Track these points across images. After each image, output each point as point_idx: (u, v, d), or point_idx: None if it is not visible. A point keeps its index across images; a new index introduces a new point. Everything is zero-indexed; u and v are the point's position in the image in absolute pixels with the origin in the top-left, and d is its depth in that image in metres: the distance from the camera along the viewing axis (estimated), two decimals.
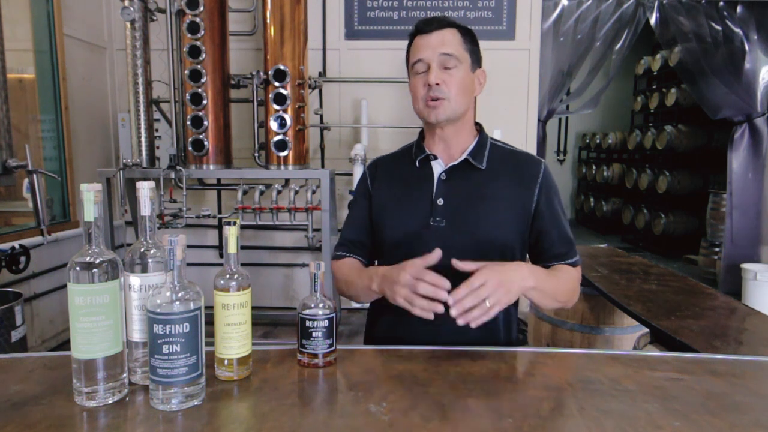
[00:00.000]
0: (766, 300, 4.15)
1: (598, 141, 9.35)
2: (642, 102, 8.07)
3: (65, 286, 0.86)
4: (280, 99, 3.23)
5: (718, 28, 4.88)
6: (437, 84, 1.20)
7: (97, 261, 0.85)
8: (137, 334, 0.93)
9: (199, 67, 3.17)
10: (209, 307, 0.88)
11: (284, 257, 4.13)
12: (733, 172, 5.11)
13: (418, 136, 1.37)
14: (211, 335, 0.93)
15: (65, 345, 3.33)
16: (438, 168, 1.30)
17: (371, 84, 3.94)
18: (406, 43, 1.32)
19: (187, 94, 3.20)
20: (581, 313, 2.52)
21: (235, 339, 0.95)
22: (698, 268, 6.09)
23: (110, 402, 0.86)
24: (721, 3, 4.88)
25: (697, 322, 1.78)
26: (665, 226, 7.05)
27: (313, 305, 1.02)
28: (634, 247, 7.54)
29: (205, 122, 3.22)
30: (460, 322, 0.99)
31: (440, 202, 1.26)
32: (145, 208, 0.90)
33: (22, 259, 2.60)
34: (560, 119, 9.93)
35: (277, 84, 3.22)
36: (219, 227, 4.10)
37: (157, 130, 3.45)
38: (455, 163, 1.28)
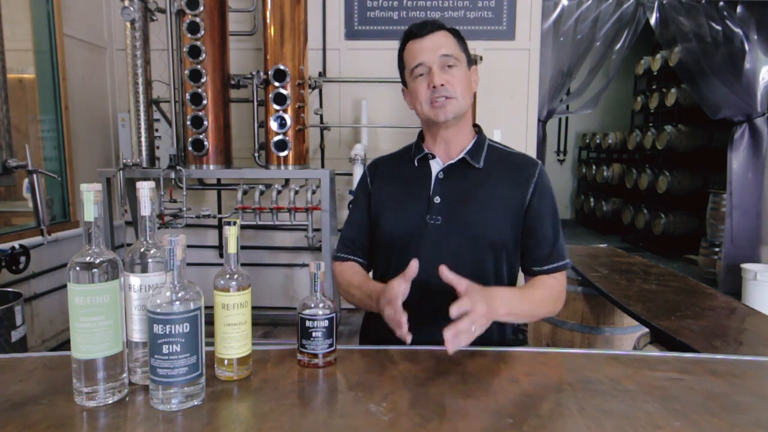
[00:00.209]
0: (766, 300, 4.15)
1: (598, 141, 9.35)
2: (642, 102, 8.07)
3: (65, 286, 0.86)
4: (280, 99, 3.23)
5: (718, 28, 4.88)
6: (442, 85, 1.22)
7: (97, 261, 0.85)
8: (137, 334, 0.93)
9: (199, 67, 3.17)
10: (209, 307, 0.88)
11: (284, 257, 4.13)
12: (733, 172, 5.11)
13: (417, 137, 1.38)
14: (211, 335, 0.93)
15: (65, 345, 3.33)
16: (436, 167, 1.31)
17: (371, 84, 3.94)
18: None
19: (187, 94, 3.20)
20: (581, 313, 2.52)
21: (235, 339, 0.95)
22: (698, 268, 6.09)
23: (110, 402, 0.86)
24: (721, 3, 4.88)
25: (697, 322, 1.78)
26: (665, 226, 7.05)
27: (313, 305, 1.02)
28: (634, 247, 7.54)
29: (205, 122, 3.22)
30: (450, 349, 0.99)
31: (437, 200, 1.27)
32: (145, 208, 0.90)
33: (22, 259, 2.60)
34: (560, 119, 9.93)
35: (277, 84, 3.22)
36: (219, 227, 4.10)
37: (157, 130, 3.45)
38: (453, 161, 1.30)
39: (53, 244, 3.21)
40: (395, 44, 1.34)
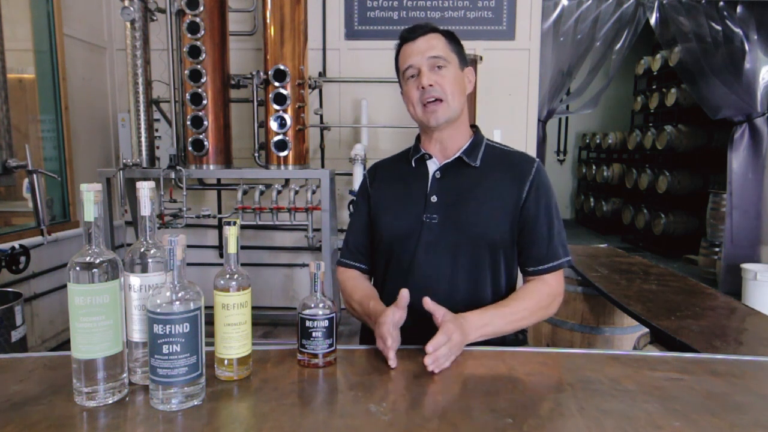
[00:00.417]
0: (766, 300, 4.15)
1: (598, 141, 9.36)
2: (642, 102, 8.07)
3: (65, 286, 0.86)
4: (280, 99, 3.23)
5: (718, 28, 4.88)
6: (431, 85, 1.23)
7: (97, 261, 0.85)
8: (137, 334, 0.93)
9: (199, 67, 3.17)
10: (209, 307, 0.88)
11: (284, 257, 4.13)
12: (733, 172, 5.11)
13: (415, 139, 1.40)
14: (211, 335, 0.93)
15: (65, 345, 3.33)
16: (433, 166, 1.33)
17: (371, 84, 3.94)
18: None
19: (187, 94, 3.20)
20: (581, 313, 2.52)
21: (235, 339, 0.95)
22: (698, 268, 6.09)
23: (110, 402, 0.86)
24: (721, 3, 4.88)
25: (697, 322, 1.78)
26: (665, 226, 7.05)
27: (313, 305, 1.02)
28: (634, 247, 7.54)
29: (205, 122, 3.22)
30: (436, 369, 1.01)
31: (434, 198, 1.28)
32: (145, 208, 0.90)
33: (22, 259, 2.60)
34: (560, 119, 9.94)
35: (277, 84, 3.22)
36: (219, 227, 4.10)
37: (157, 130, 3.45)
38: (449, 161, 1.31)
39: (53, 244, 3.21)
40: (395, 44, 1.35)
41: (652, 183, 7.35)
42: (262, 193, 3.30)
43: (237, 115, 3.58)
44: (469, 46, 1.36)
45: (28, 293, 3.08)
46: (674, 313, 1.87)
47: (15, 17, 3.21)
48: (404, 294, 1.08)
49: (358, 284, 1.36)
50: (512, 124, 3.99)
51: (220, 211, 3.96)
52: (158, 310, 0.83)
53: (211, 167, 3.30)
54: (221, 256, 4.05)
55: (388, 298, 1.18)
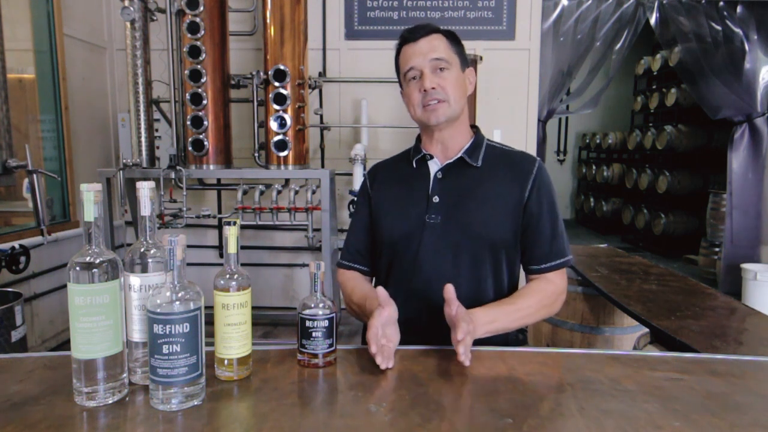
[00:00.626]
0: (766, 300, 4.15)
1: (598, 141, 9.35)
2: (642, 102, 8.07)
3: (65, 286, 0.86)
4: (280, 99, 3.23)
5: (718, 28, 4.88)
6: (433, 88, 1.23)
7: (97, 261, 0.85)
8: (137, 334, 0.93)
9: (199, 67, 3.17)
10: (209, 307, 0.88)
11: (284, 257, 4.13)
12: (733, 172, 5.11)
13: (416, 140, 1.39)
14: (211, 335, 0.93)
15: (65, 345, 3.33)
16: (434, 167, 1.32)
17: (371, 84, 3.94)
18: None
19: (187, 94, 3.20)
20: (581, 313, 2.52)
21: (235, 339, 0.95)
22: (698, 268, 6.09)
23: (110, 402, 0.86)
24: (721, 3, 4.88)
25: (697, 322, 1.78)
26: (665, 226, 7.05)
27: (313, 305, 1.02)
28: (634, 247, 7.54)
29: (205, 122, 3.22)
30: (467, 361, 1.01)
31: (436, 199, 1.28)
32: (145, 208, 0.90)
33: (22, 259, 2.60)
34: (560, 119, 9.94)
35: (277, 84, 3.22)
36: (219, 227, 4.10)
37: (157, 130, 3.45)
38: (451, 161, 1.30)
39: (53, 244, 3.21)
40: (395, 44, 1.35)
41: (652, 183, 7.35)
42: (262, 193, 3.30)
43: (237, 115, 3.58)
44: (469, 46, 1.36)
45: (28, 293, 3.08)
46: (674, 313, 1.87)
47: (15, 17, 3.21)
48: (381, 291, 1.08)
49: (358, 285, 1.35)
50: (512, 124, 3.99)
51: (220, 211, 3.96)
52: (158, 310, 0.83)
53: (211, 167, 3.30)
54: (221, 256, 4.05)
55: (392, 299, 1.18)
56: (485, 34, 3.93)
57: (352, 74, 3.98)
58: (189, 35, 3.15)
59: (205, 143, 3.24)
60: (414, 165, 1.34)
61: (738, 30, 4.86)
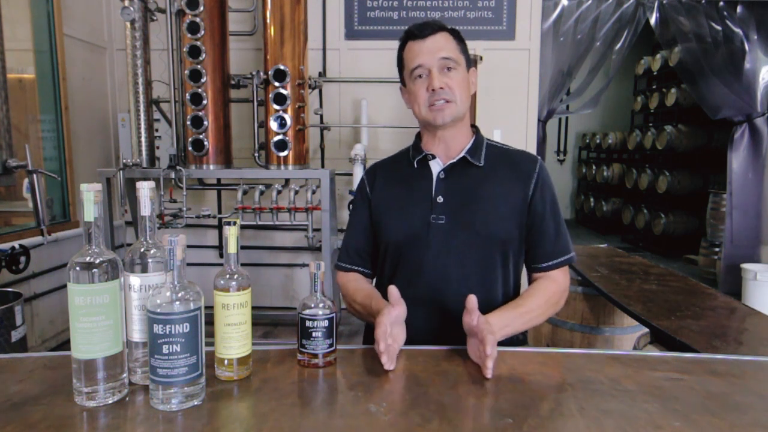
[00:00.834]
0: (766, 300, 4.15)
1: (598, 141, 9.35)
2: (642, 102, 8.07)
3: (65, 286, 0.86)
4: (280, 99, 3.23)
5: (718, 28, 4.88)
6: (441, 88, 1.22)
7: (97, 261, 0.85)
8: (137, 334, 0.93)
9: (199, 67, 3.17)
10: (209, 307, 0.88)
11: (284, 257, 4.13)
12: (733, 172, 5.11)
13: (415, 138, 1.38)
14: (211, 335, 0.93)
15: (65, 345, 3.33)
16: (436, 167, 1.31)
17: (371, 84, 3.94)
18: None
19: (187, 94, 3.20)
20: (581, 313, 2.52)
21: (235, 339, 0.95)
22: (698, 268, 6.09)
23: (110, 402, 0.86)
24: (721, 3, 4.88)
25: (697, 322, 1.78)
26: (665, 226, 7.05)
27: (313, 305, 1.02)
28: (634, 247, 7.54)
29: (205, 122, 3.22)
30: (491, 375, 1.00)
31: (440, 199, 1.27)
32: (145, 208, 0.90)
33: (22, 259, 2.60)
34: (560, 119, 9.94)
35: (277, 84, 3.22)
36: (219, 227, 4.10)
37: (157, 130, 3.45)
38: (454, 161, 1.29)
39: (53, 244, 3.21)
40: (395, 44, 1.34)
41: (652, 183, 7.35)
42: (262, 193, 3.30)
43: (237, 115, 3.58)
44: (469, 46, 1.35)
45: (28, 293, 3.08)
46: (674, 313, 1.87)
47: (15, 17, 3.21)
48: (393, 290, 1.08)
49: (360, 286, 1.35)
50: (512, 124, 3.99)
51: (220, 211, 3.96)
52: (158, 310, 0.83)
53: (211, 167, 3.30)
54: (221, 256, 4.05)
55: None
56: (485, 34, 3.93)
57: (352, 74, 3.98)
58: (189, 35, 3.15)
59: (205, 143, 3.24)
60: (415, 165, 1.32)
61: (738, 30, 4.86)
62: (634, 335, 2.43)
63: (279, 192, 3.33)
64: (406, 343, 1.13)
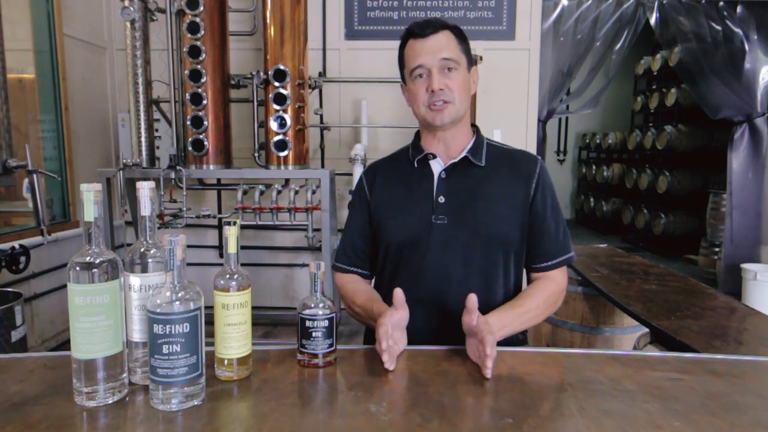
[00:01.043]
0: (766, 300, 4.15)
1: (598, 141, 9.35)
2: (642, 102, 8.07)
3: (65, 286, 0.86)
4: (280, 99, 3.23)
5: (718, 28, 4.88)
6: (441, 89, 1.21)
7: (97, 261, 0.85)
8: (137, 334, 0.93)
9: (199, 67, 3.17)
10: (209, 307, 0.88)
11: (284, 257, 4.13)
12: (733, 172, 5.11)
13: (414, 137, 1.37)
14: (211, 335, 0.93)
15: (65, 345, 3.33)
16: (437, 167, 1.31)
17: (371, 84, 3.94)
18: None
19: (187, 94, 3.20)
20: (581, 313, 2.52)
21: (235, 339, 0.95)
22: (698, 268, 6.09)
23: (110, 402, 0.86)
24: (721, 3, 4.88)
25: (697, 322, 1.78)
26: (665, 226, 7.05)
27: (313, 305, 1.02)
28: (634, 247, 7.54)
29: (205, 122, 3.22)
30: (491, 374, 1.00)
31: (441, 199, 1.27)
32: (145, 208, 0.90)
33: (22, 259, 2.60)
34: (560, 119, 9.93)
35: (277, 84, 3.22)
36: (219, 227, 4.10)
37: (157, 130, 3.45)
38: (455, 160, 1.29)
39: (53, 244, 3.21)
40: (395, 44, 1.33)
41: (652, 183, 7.35)
42: (262, 193, 3.30)
43: (237, 115, 3.58)
44: (470, 46, 1.35)
45: (28, 293, 3.08)
46: (674, 313, 1.87)
47: (15, 17, 3.21)
48: (398, 293, 1.08)
49: (359, 287, 1.34)
50: (512, 124, 3.99)
51: (220, 211, 3.96)
52: (158, 310, 0.83)
53: (211, 167, 3.30)
54: (221, 256, 4.05)
55: None
56: (485, 34, 3.93)
57: (352, 74, 3.98)
58: (189, 35, 3.15)
59: (205, 143, 3.24)
60: (415, 164, 1.32)
61: (738, 30, 4.86)
62: (634, 335, 2.43)
63: (279, 192, 3.33)
64: (410, 343, 1.13)
